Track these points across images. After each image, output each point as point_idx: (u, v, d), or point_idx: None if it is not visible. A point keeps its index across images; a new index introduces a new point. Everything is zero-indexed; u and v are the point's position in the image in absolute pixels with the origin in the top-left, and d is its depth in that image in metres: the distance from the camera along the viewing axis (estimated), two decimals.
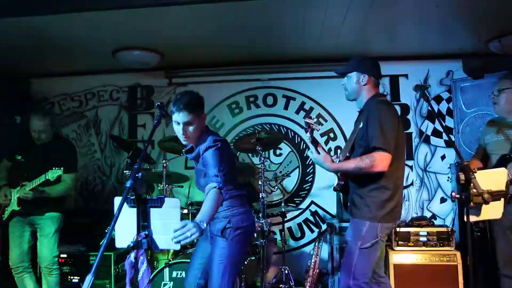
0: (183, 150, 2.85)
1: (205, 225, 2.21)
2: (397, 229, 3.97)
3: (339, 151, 4.83)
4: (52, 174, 3.37)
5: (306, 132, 2.60)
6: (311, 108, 5.05)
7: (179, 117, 2.52)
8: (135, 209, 1.98)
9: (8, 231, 3.67)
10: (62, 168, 3.38)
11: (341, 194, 2.90)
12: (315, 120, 2.57)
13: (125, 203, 1.87)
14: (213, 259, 2.61)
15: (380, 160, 2.46)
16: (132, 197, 1.98)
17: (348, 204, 2.76)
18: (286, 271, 4.13)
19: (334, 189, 2.81)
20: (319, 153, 2.59)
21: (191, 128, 2.55)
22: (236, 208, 2.66)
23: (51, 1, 3.37)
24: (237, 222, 2.62)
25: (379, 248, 2.61)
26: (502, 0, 3.40)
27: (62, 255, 3.88)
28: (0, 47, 4.17)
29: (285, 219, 4.39)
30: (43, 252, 3.63)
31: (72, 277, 4.22)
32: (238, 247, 2.63)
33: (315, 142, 2.62)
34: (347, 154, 2.75)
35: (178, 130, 2.57)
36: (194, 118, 2.54)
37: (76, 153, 3.95)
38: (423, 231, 3.97)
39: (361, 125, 2.67)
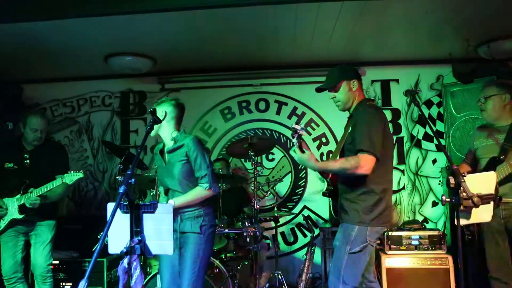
0: (156, 152, 2.96)
1: (174, 204, 2.63)
2: (389, 233, 3.99)
3: (331, 155, 4.85)
4: (70, 177, 3.35)
5: (293, 137, 2.58)
6: (303, 113, 5.08)
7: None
8: (128, 215, 1.99)
9: (0, 242, 3.56)
10: (81, 171, 3.39)
11: (330, 200, 2.91)
12: (303, 126, 2.57)
13: (118, 209, 1.88)
14: (188, 255, 2.71)
15: (365, 163, 2.47)
16: (125, 203, 1.98)
17: (337, 208, 2.77)
18: (279, 276, 4.13)
19: (323, 194, 2.83)
20: (303, 151, 2.55)
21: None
22: (206, 207, 2.81)
23: (43, 7, 3.36)
24: (210, 220, 2.81)
25: (368, 252, 2.61)
26: (490, 7, 3.46)
27: (54, 262, 3.83)
28: None
29: (278, 224, 4.40)
30: (38, 260, 3.55)
31: (64, 284, 4.20)
32: (211, 244, 2.81)
33: (300, 141, 2.58)
34: (337, 159, 2.76)
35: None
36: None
37: (68, 155, 3.94)
38: (415, 234, 3.99)
39: (349, 130, 2.69)
